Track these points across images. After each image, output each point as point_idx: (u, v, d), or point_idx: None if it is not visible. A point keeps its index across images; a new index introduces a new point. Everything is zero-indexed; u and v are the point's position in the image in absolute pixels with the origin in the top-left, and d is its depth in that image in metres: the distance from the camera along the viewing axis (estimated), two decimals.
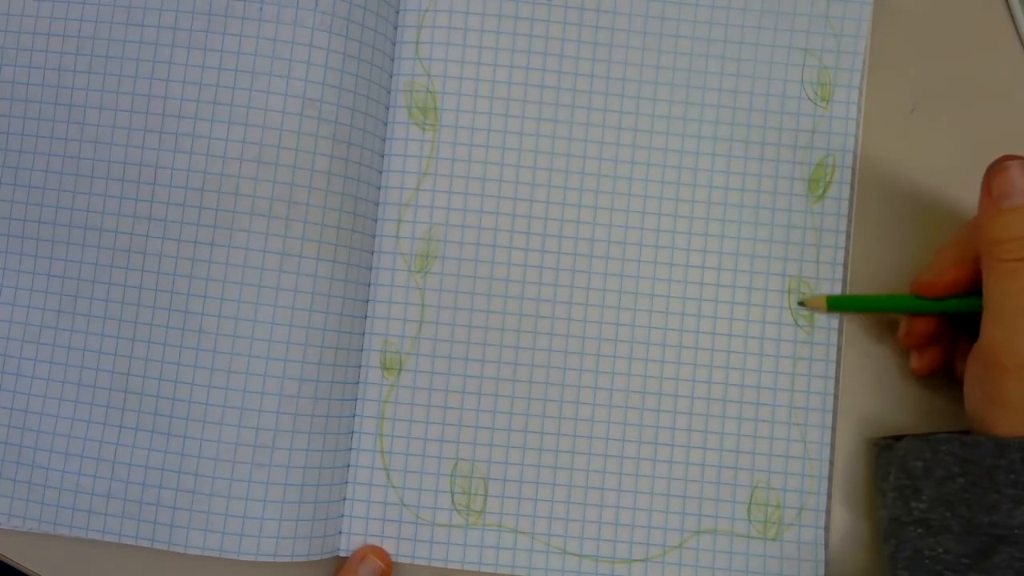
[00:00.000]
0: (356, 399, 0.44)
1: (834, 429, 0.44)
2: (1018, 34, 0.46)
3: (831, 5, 0.45)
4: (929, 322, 0.42)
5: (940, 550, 0.37)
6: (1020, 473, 0.36)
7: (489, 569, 0.44)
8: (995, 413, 0.37)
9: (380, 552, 0.43)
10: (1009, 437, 0.36)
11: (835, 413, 0.44)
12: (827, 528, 0.44)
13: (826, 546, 0.44)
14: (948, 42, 0.46)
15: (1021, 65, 0.46)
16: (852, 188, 0.45)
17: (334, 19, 0.43)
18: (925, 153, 0.46)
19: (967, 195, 0.45)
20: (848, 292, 0.45)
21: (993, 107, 0.46)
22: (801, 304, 0.45)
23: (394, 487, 0.44)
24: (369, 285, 0.45)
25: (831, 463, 0.44)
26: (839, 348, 0.45)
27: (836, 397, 0.44)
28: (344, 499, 0.44)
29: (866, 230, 0.46)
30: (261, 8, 0.43)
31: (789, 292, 0.45)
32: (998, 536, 0.36)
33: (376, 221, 0.45)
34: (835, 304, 0.44)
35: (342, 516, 0.44)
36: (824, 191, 0.45)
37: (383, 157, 0.45)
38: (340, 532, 0.44)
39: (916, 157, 0.46)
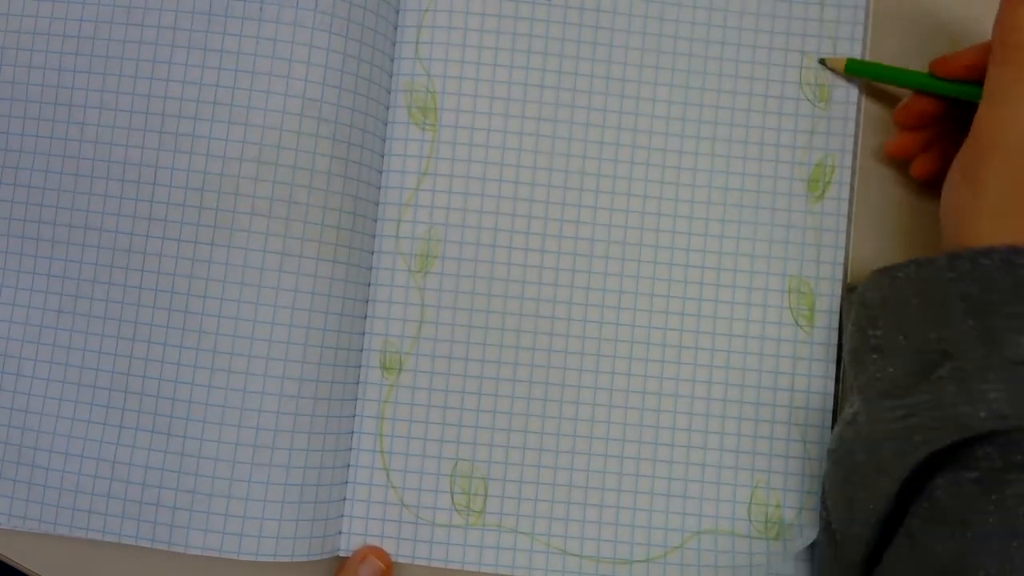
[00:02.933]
0: (356, 399, 0.43)
1: (834, 429, 0.43)
2: None
3: (825, 9, 0.45)
4: (929, 103, 0.43)
5: (890, 370, 0.38)
6: (968, 283, 0.36)
7: (489, 569, 0.43)
8: (971, 196, 0.38)
9: (380, 552, 0.42)
10: (961, 248, 0.37)
11: (835, 413, 0.44)
12: None
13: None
14: (948, 42, 0.46)
15: None
16: (852, 188, 0.45)
17: (334, 19, 0.42)
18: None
19: None
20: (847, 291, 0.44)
21: None
22: (822, 62, 0.45)
23: (394, 487, 0.43)
24: (369, 285, 0.44)
25: None
26: (839, 348, 0.44)
27: (836, 397, 0.44)
28: (344, 499, 0.43)
29: (866, 230, 0.45)
30: (261, 8, 0.42)
31: (789, 292, 0.44)
32: (944, 352, 0.36)
33: (376, 221, 0.44)
34: (853, 67, 0.44)
35: (342, 516, 0.43)
36: (824, 191, 0.44)
37: (383, 157, 0.44)
38: (340, 532, 0.43)
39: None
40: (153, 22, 0.43)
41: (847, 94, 0.45)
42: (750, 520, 0.43)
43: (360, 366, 0.44)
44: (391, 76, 0.44)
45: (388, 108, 0.44)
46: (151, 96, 0.43)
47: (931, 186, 0.43)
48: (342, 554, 0.43)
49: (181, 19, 0.43)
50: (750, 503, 0.43)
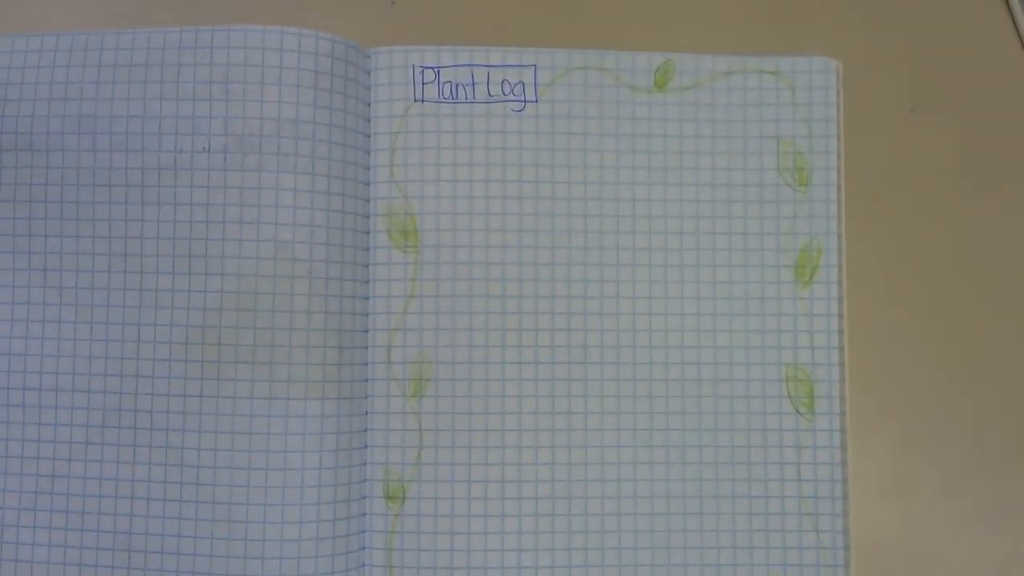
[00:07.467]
0: (364, 531, 0.40)
1: (846, 514, 0.40)
2: (1018, 34, 0.44)
3: (796, 92, 0.42)
4: None
5: None
6: None
7: None
8: None
9: None
10: None
11: (845, 497, 0.40)
12: None
13: None
14: (948, 42, 0.44)
15: (1021, 65, 0.44)
16: (840, 270, 0.42)
17: (297, 159, 0.39)
18: (925, 153, 0.43)
19: (967, 194, 0.43)
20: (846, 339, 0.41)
21: (993, 107, 0.44)
22: None
23: None
24: (367, 415, 0.41)
25: (846, 549, 0.40)
26: (843, 431, 0.41)
27: (845, 481, 0.41)
28: None
29: (864, 229, 0.43)
30: (225, 158, 0.39)
31: (787, 381, 0.41)
32: None
33: (366, 349, 0.41)
34: None
35: None
36: (811, 276, 0.42)
37: (367, 284, 0.41)
38: None
39: (916, 157, 0.43)
40: (120, 181, 0.40)
41: (827, 176, 0.42)
42: None
43: (365, 498, 0.41)
44: (367, 201, 0.41)
45: (368, 234, 0.41)
46: (127, 255, 0.40)
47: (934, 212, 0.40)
48: None
49: (148, 176, 0.40)
50: None
